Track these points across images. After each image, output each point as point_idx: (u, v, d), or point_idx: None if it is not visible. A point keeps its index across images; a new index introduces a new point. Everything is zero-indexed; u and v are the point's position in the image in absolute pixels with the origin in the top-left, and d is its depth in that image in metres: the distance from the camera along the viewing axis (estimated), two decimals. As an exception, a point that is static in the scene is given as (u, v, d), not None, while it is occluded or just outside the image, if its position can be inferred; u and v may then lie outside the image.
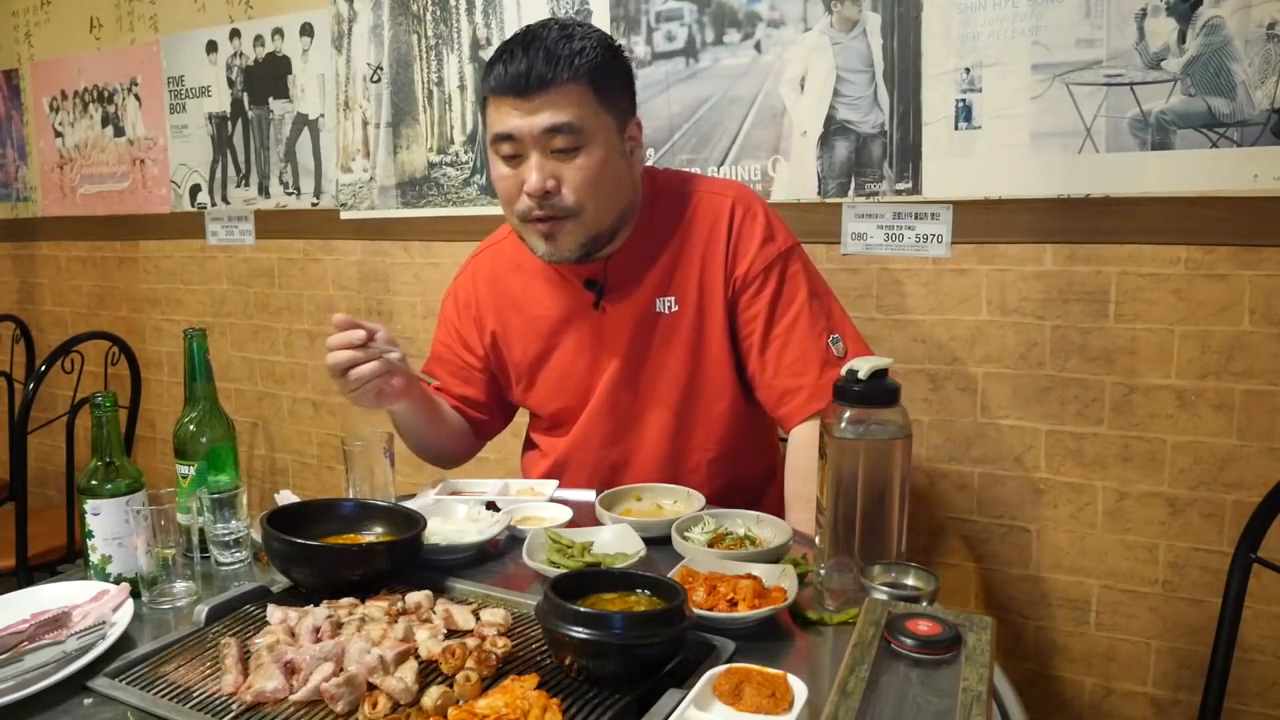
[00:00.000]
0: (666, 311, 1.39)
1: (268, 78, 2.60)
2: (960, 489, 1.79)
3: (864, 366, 0.98)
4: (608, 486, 1.41)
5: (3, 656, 0.94)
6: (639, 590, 0.95)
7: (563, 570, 1.04)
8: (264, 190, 2.67)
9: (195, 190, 2.83)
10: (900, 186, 1.76)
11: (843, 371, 1.00)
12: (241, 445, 2.50)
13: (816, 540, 1.06)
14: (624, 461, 1.45)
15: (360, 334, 1.24)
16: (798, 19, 1.82)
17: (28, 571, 2.23)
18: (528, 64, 1.23)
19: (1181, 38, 1.50)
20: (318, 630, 0.94)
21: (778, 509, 1.40)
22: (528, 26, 1.29)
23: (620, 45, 1.34)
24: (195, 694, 0.87)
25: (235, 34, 2.64)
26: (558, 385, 1.46)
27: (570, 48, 1.25)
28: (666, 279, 1.38)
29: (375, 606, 0.99)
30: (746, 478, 1.49)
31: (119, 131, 3.00)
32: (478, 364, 1.53)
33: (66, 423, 2.32)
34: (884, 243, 1.79)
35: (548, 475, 1.51)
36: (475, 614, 0.99)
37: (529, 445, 1.61)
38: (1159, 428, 1.60)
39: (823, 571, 1.03)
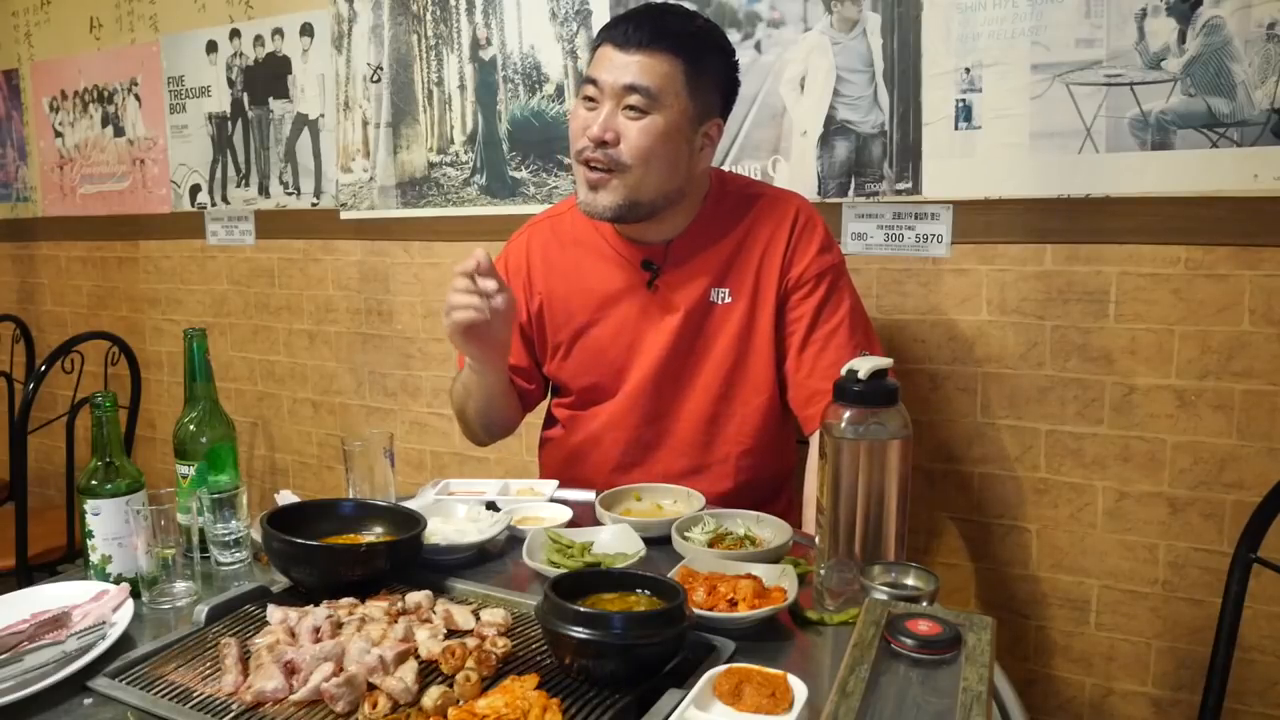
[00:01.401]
0: (720, 302, 1.43)
1: (268, 78, 2.60)
2: (960, 489, 1.79)
3: (864, 366, 0.99)
4: (638, 465, 1.46)
5: (3, 656, 0.94)
6: (639, 590, 0.95)
7: (563, 570, 1.04)
8: (264, 190, 2.67)
9: (195, 190, 2.83)
10: (900, 186, 1.75)
11: (843, 371, 1.01)
12: (241, 445, 2.50)
13: (816, 540, 1.06)
14: (657, 442, 1.47)
15: (480, 280, 1.28)
16: (798, 19, 1.81)
17: (28, 571, 2.23)
18: (637, 23, 1.32)
19: (1181, 38, 1.50)
20: (318, 630, 0.94)
21: (787, 511, 1.41)
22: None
23: (737, 59, 1.41)
24: (195, 694, 0.87)
25: (235, 34, 2.64)
26: (594, 359, 1.48)
27: (682, 27, 1.34)
28: (724, 271, 1.43)
29: (375, 606, 0.99)
30: (766, 476, 1.51)
31: (119, 131, 3.00)
32: (524, 331, 1.54)
33: (66, 423, 2.32)
34: (884, 243, 1.79)
35: (575, 450, 1.53)
36: (475, 614, 0.99)
37: (550, 423, 1.61)
38: (1159, 428, 1.60)
39: (823, 571, 1.03)
